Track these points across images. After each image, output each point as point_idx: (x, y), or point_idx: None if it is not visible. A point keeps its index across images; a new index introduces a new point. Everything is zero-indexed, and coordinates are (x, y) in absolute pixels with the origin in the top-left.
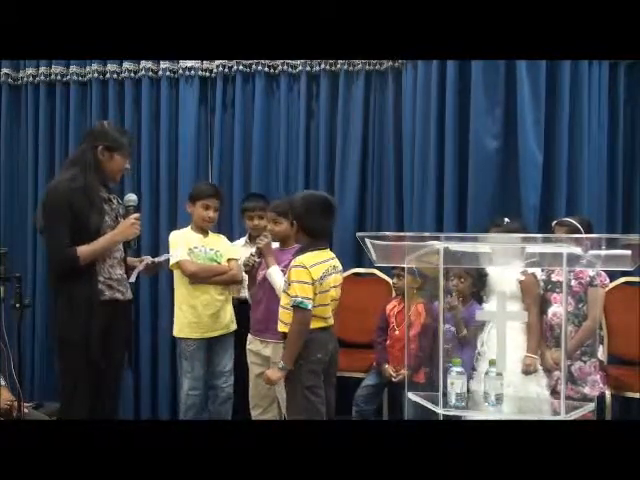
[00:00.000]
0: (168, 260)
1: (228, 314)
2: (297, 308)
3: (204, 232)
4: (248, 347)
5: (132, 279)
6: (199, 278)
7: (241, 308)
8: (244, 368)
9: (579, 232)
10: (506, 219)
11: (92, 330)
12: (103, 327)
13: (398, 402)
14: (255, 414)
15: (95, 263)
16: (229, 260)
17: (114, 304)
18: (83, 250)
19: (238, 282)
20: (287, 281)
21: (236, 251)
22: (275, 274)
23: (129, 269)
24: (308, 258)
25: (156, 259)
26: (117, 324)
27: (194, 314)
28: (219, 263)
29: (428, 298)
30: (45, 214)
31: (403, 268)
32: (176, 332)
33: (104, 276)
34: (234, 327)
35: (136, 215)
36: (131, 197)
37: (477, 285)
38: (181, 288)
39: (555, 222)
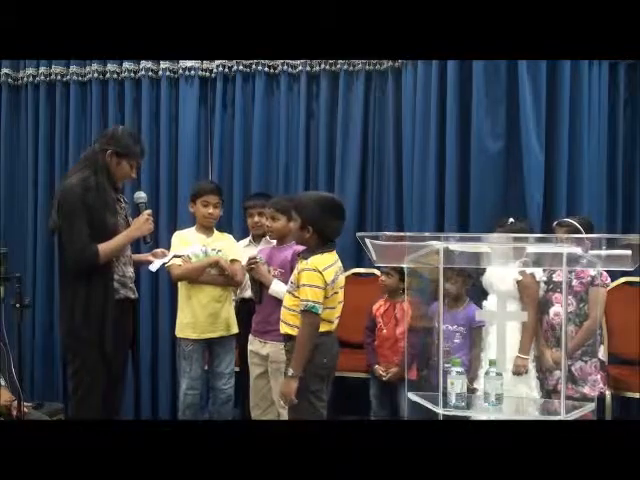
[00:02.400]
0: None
1: (228, 315)
2: (308, 312)
3: (208, 231)
4: (249, 348)
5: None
6: (186, 279)
7: (243, 308)
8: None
9: (579, 233)
10: (511, 219)
11: (109, 328)
12: (115, 325)
13: (392, 401)
14: (255, 414)
15: (111, 261)
16: (232, 261)
17: (126, 303)
18: (103, 248)
19: (238, 284)
20: (295, 283)
21: (241, 252)
22: (277, 287)
23: (137, 265)
24: (320, 261)
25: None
26: (125, 322)
27: (192, 314)
28: None
29: (426, 298)
30: (62, 214)
31: (392, 267)
32: (177, 332)
33: (118, 274)
34: (235, 330)
35: (149, 211)
36: (141, 194)
37: (470, 285)
38: (181, 288)
39: (555, 223)
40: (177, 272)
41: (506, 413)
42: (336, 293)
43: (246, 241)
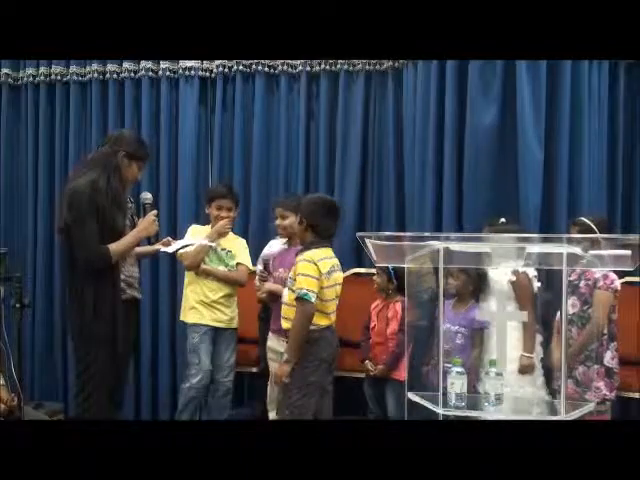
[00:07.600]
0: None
1: (233, 309)
2: (301, 300)
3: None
4: (267, 344)
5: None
6: (194, 266)
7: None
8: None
9: (593, 232)
10: (502, 219)
11: (118, 328)
12: (122, 325)
13: (382, 398)
14: (271, 408)
15: (118, 262)
16: (238, 264)
17: (131, 302)
18: (114, 248)
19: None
20: (292, 277)
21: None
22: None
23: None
24: (315, 253)
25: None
26: (128, 323)
27: (202, 295)
28: (227, 263)
29: (426, 295)
30: (73, 214)
31: (382, 267)
32: (182, 316)
33: (125, 274)
34: (236, 325)
35: (154, 212)
36: (147, 195)
37: (473, 284)
38: (189, 275)
39: (571, 221)
40: (186, 263)
41: (513, 414)
42: (333, 286)
43: (284, 244)
